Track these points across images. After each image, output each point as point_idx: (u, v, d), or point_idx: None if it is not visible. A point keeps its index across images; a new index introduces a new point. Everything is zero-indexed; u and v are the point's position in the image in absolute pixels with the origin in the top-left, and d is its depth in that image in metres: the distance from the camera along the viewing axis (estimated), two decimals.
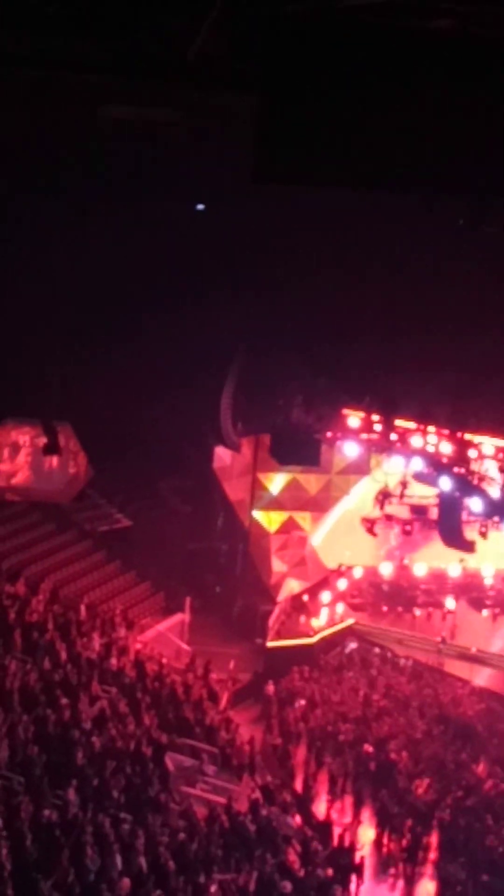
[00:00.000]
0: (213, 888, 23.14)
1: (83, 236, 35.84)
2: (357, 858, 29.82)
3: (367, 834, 32.67)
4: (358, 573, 53.29)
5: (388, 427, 43.75)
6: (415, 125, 10.19)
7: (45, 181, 28.39)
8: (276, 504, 52.44)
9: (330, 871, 27.21)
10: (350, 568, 53.25)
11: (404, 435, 43.36)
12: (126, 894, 21.31)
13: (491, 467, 41.94)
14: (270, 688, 41.67)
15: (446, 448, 42.12)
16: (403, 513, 48.72)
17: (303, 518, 53.03)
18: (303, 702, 40.43)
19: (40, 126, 22.03)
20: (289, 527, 52.65)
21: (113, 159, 26.19)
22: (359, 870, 29.17)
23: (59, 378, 42.37)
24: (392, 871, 30.90)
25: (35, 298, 36.84)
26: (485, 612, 52.83)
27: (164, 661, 39.76)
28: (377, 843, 32.16)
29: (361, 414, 44.57)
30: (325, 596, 50.77)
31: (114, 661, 35.93)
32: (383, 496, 48.33)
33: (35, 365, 39.44)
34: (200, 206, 35.47)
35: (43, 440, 41.67)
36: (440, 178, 10.64)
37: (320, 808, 33.39)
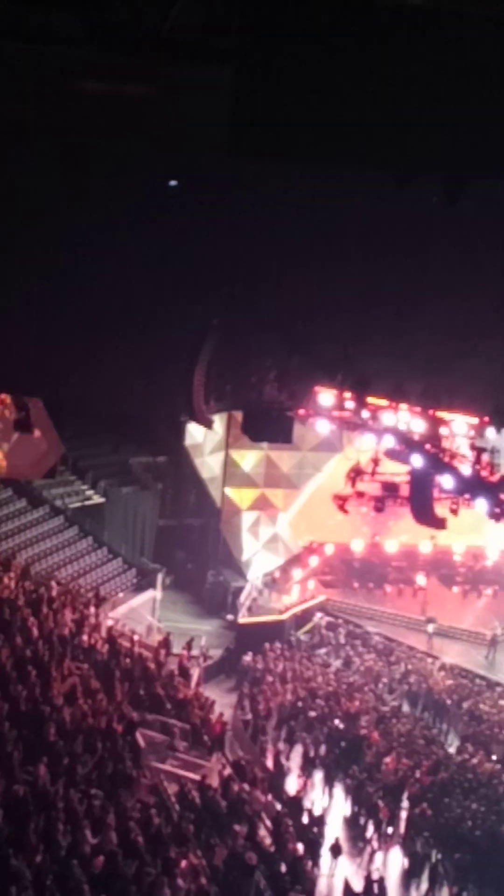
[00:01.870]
0: (183, 863, 23.19)
1: (57, 212, 35.66)
2: (327, 834, 30.00)
3: (337, 809, 32.85)
4: (329, 550, 53.47)
5: (361, 404, 43.76)
6: (389, 100, 10.15)
7: (17, 155, 28.19)
8: (248, 481, 52.49)
9: (300, 847, 27.34)
10: (321, 545, 53.40)
11: (376, 412, 43.39)
12: (97, 870, 21.33)
13: (462, 444, 42.02)
14: (248, 658, 41.80)
15: (418, 425, 42.17)
16: (375, 490, 48.76)
17: (275, 495, 53.08)
18: (270, 679, 40.52)
19: (11, 100, 21.87)
20: (261, 504, 52.69)
21: (87, 134, 26.02)
22: (329, 845, 29.34)
23: (30, 354, 42.21)
24: (362, 846, 31.04)
25: (4, 273, 36.66)
26: (455, 589, 53.10)
27: (136, 637, 39.76)
28: (348, 819, 32.32)
29: (334, 391, 44.57)
30: (297, 573, 50.91)
31: (85, 637, 35.89)
32: (355, 473, 48.38)
33: (5, 341, 39.25)
34: (173, 182, 35.31)
35: (14, 416, 41.58)
36: (415, 154, 10.61)
37: (291, 784, 33.50)
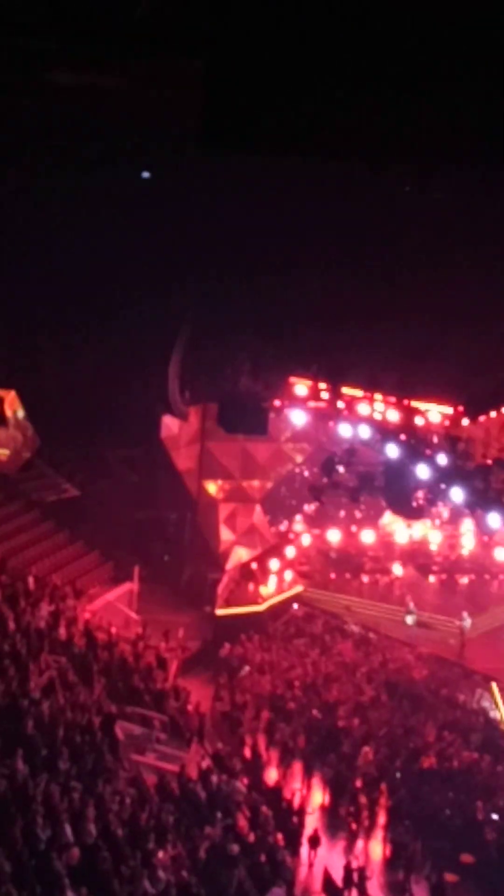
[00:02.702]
0: (162, 855, 23.23)
1: (28, 205, 35.55)
2: (306, 823, 30.08)
3: (316, 799, 32.93)
4: (306, 541, 53.52)
5: (336, 395, 43.86)
6: (362, 91, 10.15)
7: None
8: (224, 472, 52.43)
9: (280, 836, 27.41)
10: (298, 535, 53.45)
11: (351, 403, 43.48)
12: (77, 862, 21.35)
13: (437, 434, 42.18)
14: (226, 650, 41.84)
15: (393, 415, 42.29)
16: (351, 480, 48.84)
17: (251, 486, 53.06)
18: (248, 669, 40.58)
19: None
20: (237, 495, 52.67)
21: (59, 126, 25.94)
22: (308, 835, 29.42)
23: (5, 347, 42.13)
24: (342, 835, 31.12)
25: None
26: (432, 578, 53.26)
27: (114, 630, 39.72)
28: (327, 808, 32.40)
29: (309, 382, 44.64)
30: (274, 564, 50.94)
31: (62, 630, 35.87)
32: (331, 464, 48.50)
33: None
34: (146, 175, 35.24)
35: None
36: (387, 144, 10.62)
37: (270, 775, 33.58)
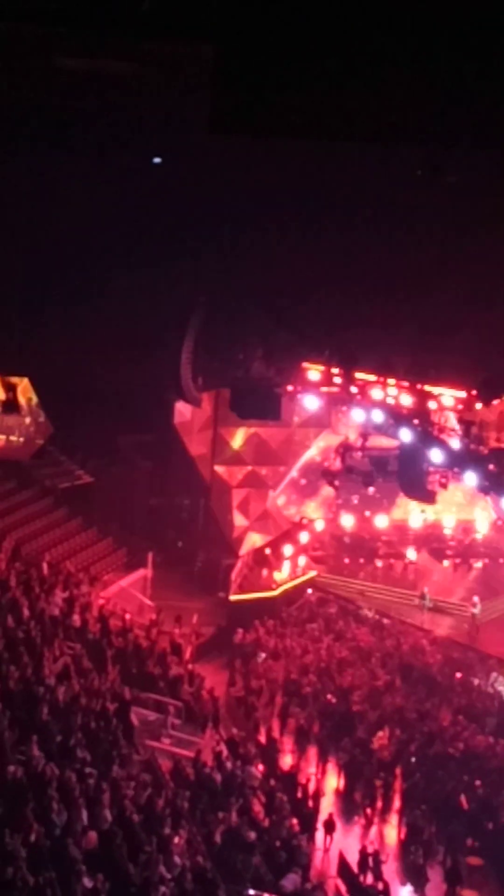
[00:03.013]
0: (177, 839, 23.28)
1: (40, 189, 35.51)
2: (322, 808, 30.11)
3: (331, 784, 32.96)
4: (319, 526, 53.49)
5: (349, 380, 43.75)
6: (373, 75, 10.11)
7: (1, 133, 28.08)
8: (237, 458, 52.41)
9: (295, 822, 27.45)
10: (311, 521, 53.42)
11: (364, 387, 43.37)
12: (92, 848, 21.41)
13: (450, 418, 42.05)
14: (239, 635, 41.85)
15: (406, 400, 42.18)
16: (365, 465, 48.77)
17: (264, 472, 53.05)
18: (263, 655, 40.59)
19: None
20: (250, 481, 52.65)
21: (69, 111, 25.92)
22: (324, 820, 29.45)
23: (17, 333, 42.09)
24: (357, 819, 31.16)
25: None
26: (445, 563, 53.18)
27: (128, 616, 39.77)
28: (342, 793, 32.42)
29: (321, 367, 44.54)
30: (287, 549, 50.91)
31: (77, 617, 35.93)
32: (344, 449, 48.44)
33: None
34: (157, 160, 35.19)
35: (1, 397, 41.53)
36: (398, 128, 10.58)
37: (285, 760, 33.60)
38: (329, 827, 29.24)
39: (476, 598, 47.16)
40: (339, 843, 29.07)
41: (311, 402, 47.42)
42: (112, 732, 28.09)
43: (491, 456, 40.72)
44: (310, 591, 49.14)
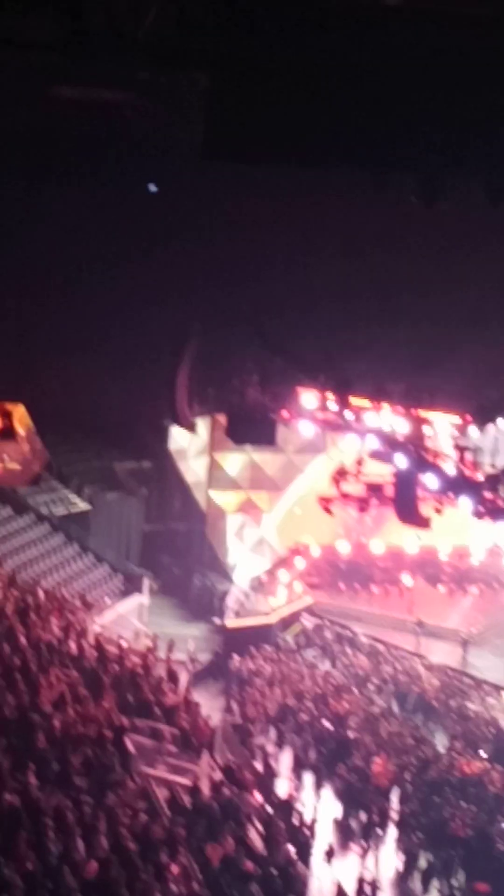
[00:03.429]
0: (174, 868, 23.16)
1: (35, 217, 35.61)
2: (318, 835, 30.01)
3: (328, 811, 32.87)
4: (315, 552, 53.51)
5: (343, 405, 43.84)
6: (365, 103, 10.16)
7: None
8: (232, 484, 52.51)
9: (292, 849, 27.35)
10: (307, 547, 53.44)
11: (359, 413, 43.45)
12: (89, 877, 21.31)
13: (446, 444, 42.11)
14: (235, 662, 41.79)
15: (401, 425, 42.26)
16: (360, 491, 48.79)
17: (260, 498, 53.09)
18: (259, 682, 40.52)
19: None
20: (246, 507, 52.71)
21: (63, 139, 26.01)
22: (321, 847, 29.36)
23: (13, 360, 42.17)
24: (354, 847, 31.06)
25: None
26: (441, 588, 53.19)
27: (124, 643, 39.71)
28: (338, 821, 32.33)
29: (316, 393, 44.64)
30: (283, 575, 50.92)
31: (73, 644, 35.84)
32: (339, 474, 48.47)
33: None
34: (153, 187, 35.31)
35: None
36: (391, 154, 10.63)
37: (281, 787, 33.51)
38: (326, 855, 29.15)
39: (472, 628, 47.27)
40: (336, 872, 28.97)
41: (306, 428, 47.52)
42: (108, 760, 27.99)
43: (485, 481, 40.77)
44: (306, 622, 49.06)
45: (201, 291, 40.47)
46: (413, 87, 10.16)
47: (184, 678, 39.34)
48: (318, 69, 9.94)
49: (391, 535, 54.20)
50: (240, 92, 9.91)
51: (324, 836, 30.35)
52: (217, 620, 47.10)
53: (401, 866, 30.18)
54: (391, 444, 42.86)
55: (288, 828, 28.68)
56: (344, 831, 31.80)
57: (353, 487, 48.32)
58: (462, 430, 41.47)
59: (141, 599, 45.75)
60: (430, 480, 41.69)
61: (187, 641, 42.71)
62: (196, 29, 11.15)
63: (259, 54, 9.83)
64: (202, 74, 10.20)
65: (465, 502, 41.12)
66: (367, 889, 27.59)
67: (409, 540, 53.56)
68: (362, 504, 48.46)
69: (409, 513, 45.09)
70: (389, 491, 46.35)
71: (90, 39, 13.54)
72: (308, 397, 44.88)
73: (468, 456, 41.15)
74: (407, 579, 52.74)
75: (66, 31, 13.46)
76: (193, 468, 51.39)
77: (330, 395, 44.08)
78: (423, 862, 30.02)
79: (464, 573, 54.15)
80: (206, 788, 29.18)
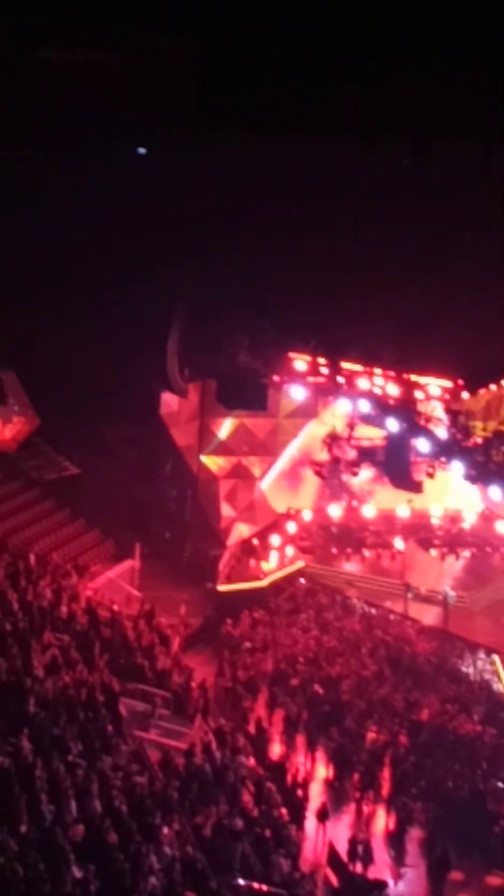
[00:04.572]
0: (166, 830, 23.31)
1: (24, 183, 35.47)
2: (311, 797, 30.19)
3: (320, 773, 33.04)
4: (307, 516, 53.54)
5: (335, 370, 43.83)
6: (357, 67, 10.21)
7: None
8: (224, 449, 52.48)
9: (284, 811, 27.51)
10: (299, 511, 53.46)
11: (351, 377, 43.45)
12: (81, 839, 21.44)
13: (437, 408, 42.16)
14: (227, 626, 41.88)
15: (393, 390, 42.28)
16: (351, 455, 48.86)
17: (251, 462, 53.10)
18: (250, 645, 40.62)
19: None
20: (237, 471, 52.72)
21: (52, 103, 25.95)
22: (313, 809, 29.54)
23: (2, 327, 42.08)
24: (346, 808, 31.25)
25: None
26: (433, 552, 53.26)
27: (115, 607, 39.78)
28: (331, 783, 32.51)
29: (308, 357, 44.60)
30: (275, 539, 50.99)
31: (64, 608, 35.94)
32: (331, 439, 48.54)
33: None
34: (142, 150, 35.20)
35: None
36: (381, 118, 10.68)
37: (274, 750, 33.67)
38: (319, 816, 29.33)
39: (447, 588, 47.44)
40: (329, 832, 29.16)
41: (297, 393, 47.48)
42: (100, 723, 28.12)
43: (477, 445, 40.87)
44: (302, 580, 49.16)
45: (192, 257, 40.37)
46: (403, 52, 10.24)
47: (176, 642, 39.46)
48: (309, 34, 10.00)
49: (383, 499, 54.23)
50: (231, 57, 9.96)
51: (316, 798, 30.53)
52: (209, 584, 47.16)
53: (393, 828, 30.36)
54: (383, 408, 42.92)
55: (281, 790, 28.86)
56: (336, 793, 31.98)
57: (346, 452, 48.41)
58: (454, 394, 41.51)
59: (133, 564, 45.74)
60: (421, 444, 41.81)
61: (179, 606, 42.76)
62: None
63: (249, 19, 9.88)
64: (192, 40, 10.23)
65: (457, 466, 41.26)
66: (360, 849, 27.78)
67: (401, 504, 53.56)
68: (354, 468, 48.56)
69: (402, 477, 45.21)
70: (381, 455, 46.47)
71: (79, 4, 13.53)
72: (299, 362, 44.86)
73: (460, 420, 41.25)
74: (399, 543, 52.77)
75: None
76: (185, 433, 51.27)
77: (321, 360, 44.07)
78: (415, 822, 30.22)
79: (456, 537, 54.17)
80: (198, 751, 29.35)
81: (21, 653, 30.19)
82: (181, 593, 45.20)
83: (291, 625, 44.00)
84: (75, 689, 29.47)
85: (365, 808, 31.31)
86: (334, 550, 52.50)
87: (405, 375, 41.93)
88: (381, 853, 29.00)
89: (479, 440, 41.42)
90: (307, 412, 52.01)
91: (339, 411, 48.79)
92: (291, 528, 52.32)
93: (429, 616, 47.00)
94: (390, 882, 27.75)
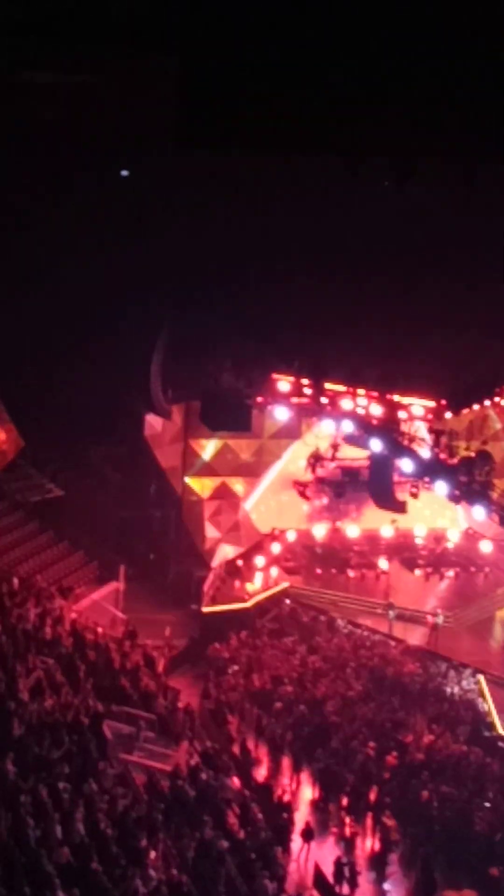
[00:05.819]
0: (153, 853, 23.23)
1: (5, 205, 35.50)
2: (296, 819, 30.08)
3: (306, 794, 32.94)
4: (291, 537, 53.54)
5: (318, 390, 43.88)
6: (339, 88, 10.25)
7: None
8: (208, 470, 52.52)
9: (269, 833, 27.42)
10: (283, 532, 53.47)
11: (334, 398, 43.51)
12: (66, 862, 21.35)
13: (420, 428, 42.24)
14: (212, 647, 41.78)
15: (376, 410, 42.33)
16: (336, 475, 48.92)
17: (235, 483, 53.12)
18: (236, 667, 40.55)
19: None
20: (222, 492, 52.71)
21: (35, 123, 25.99)
22: (299, 830, 29.44)
23: None
24: (332, 829, 31.14)
25: None
26: (417, 572, 53.27)
27: (100, 629, 39.68)
28: (316, 804, 32.40)
29: (291, 378, 44.65)
30: (260, 560, 50.96)
31: (49, 631, 35.83)
32: (315, 459, 48.59)
33: None
34: (125, 173, 35.27)
35: None
36: (364, 140, 10.72)
37: (260, 771, 33.56)
38: (304, 837, 29.22)
39: (439, 610, 47.38)
40: (315, 854, 29.05)
41: (281, 413, 47.50)
42: (85, 746, 28.01)
43: (461, 465, 40.92)
44: (287, 601, 49.09)
45: (176, 279, 40.44)
46: (387, 70, 10.29)
47: (161, 664, 39.36)
48: (290, 55, 10.04)
49: (367, 520, 54.25)
50: (212, 78, 9.99)
51: (302, 819, 30.42)
52: (194, 606, 47.08)
53: (379, 849, 30.25)
54: (366, 428, 42.97)
55: (266, 811, 28.77)
56: (322, 814, 31.87)
57: (329, 472, 48.45)
58: (437, 414, 41.60)
59: (117, 586, 45.64)
60: (405, 464, 41.86)
61: (164, 627, 42.67)
62: (169, 15, 11.20)
63: (232, 41, 9.92)
64: (173, 59, 10.26)
65: (441, 486, 41.30)
66: (346, 871, 27.69)
67: (384, 524, 53.57)
68: (338, 488, 48.59)
69: (385, 496, 45.26)
70: (365, 475, 46.52)
71: (61, 25, 13.57)
72: (283, 383, 44.90)
73: (443, 440, 41.33)
74: (383, 563, 52.77)
75: (37, 16, 13.49)
76: (169, 454, 51.29)
77: (305, 381, 44.12)
78: (400, 843, 30.13)
79: (440, 557, 54.20)
80: (184, 773, 29.25)
81: (5, 676, 30.08)
82: (166, 615, 45.11)
83: (276, 646, 43.92)
84: (60, 712, 29.36)
85: (351, 830, 31.20)
86: (319, 571, 52.47)
87: (388, 396, 41.99)
88: (367, 874, 28.90)
89: (461, 459, 41.48)
90: (291, 433, 52.09)
91: (322, 432, 48.84)
92: (276, 548, 52.30)
93: (414, 636, 46.95)
94: None
